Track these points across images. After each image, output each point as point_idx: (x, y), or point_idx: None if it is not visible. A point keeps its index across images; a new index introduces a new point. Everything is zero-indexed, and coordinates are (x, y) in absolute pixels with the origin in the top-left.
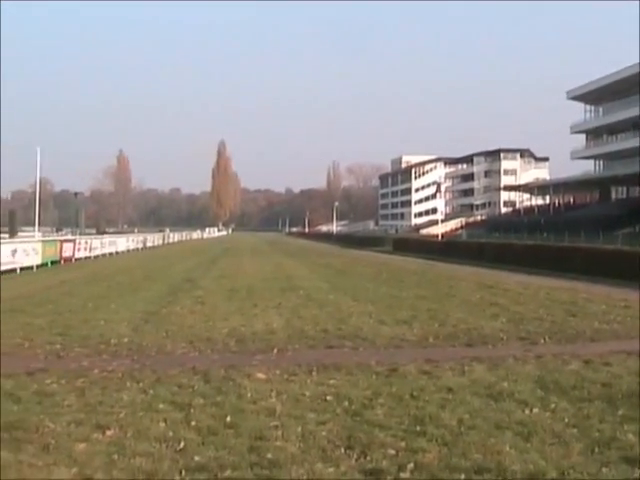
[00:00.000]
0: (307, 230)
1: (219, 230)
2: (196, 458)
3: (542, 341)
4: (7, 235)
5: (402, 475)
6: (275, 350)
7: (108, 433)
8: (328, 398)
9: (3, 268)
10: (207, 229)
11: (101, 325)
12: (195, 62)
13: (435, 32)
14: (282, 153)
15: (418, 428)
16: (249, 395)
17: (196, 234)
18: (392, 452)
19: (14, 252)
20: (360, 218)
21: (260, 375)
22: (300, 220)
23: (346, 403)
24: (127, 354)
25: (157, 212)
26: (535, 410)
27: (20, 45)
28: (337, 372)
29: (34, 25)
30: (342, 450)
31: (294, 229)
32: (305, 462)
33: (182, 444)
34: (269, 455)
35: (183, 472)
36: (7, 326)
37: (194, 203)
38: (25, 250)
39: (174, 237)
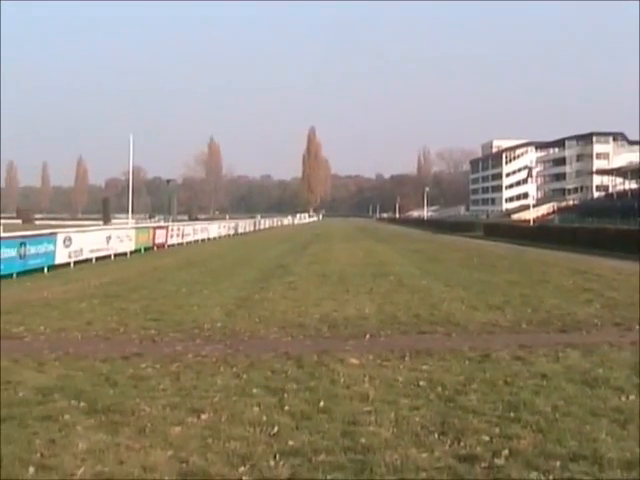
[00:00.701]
0: (398, 216)
1: (310, 216)
2: (290, 442)
3: (637, 327)
4: (102, 222)
5: (497, 461)
6: (367, 335)
7: (203, 417)
8: (421, 383)
9: (98, 254)
10: (298, 215)
11: (194, 310)
12: (283, 47)
13: (526, 12)
14: (372, 139)
15: (512, 414)
16: (342, 380)
17: (287, 220)
18: (486, 438)
19: (108, 239)
20: (451, 203)
21: (353, 360)
22: (391, 206)
23: (439, 389)
24: (220, 339)
25: (248, 198)
26: (632, 397)
27: (109, 37)
28: (430, 358)
29: (124, 16)
30: (436, 436)
31: (385, 215)
32: (399, 447)
33: (276, 428)
34: (363, 440)
35: (277, 456)
36: (102, 311)
37: (285, 189)
38: (119, 237)
39: (265, 223)
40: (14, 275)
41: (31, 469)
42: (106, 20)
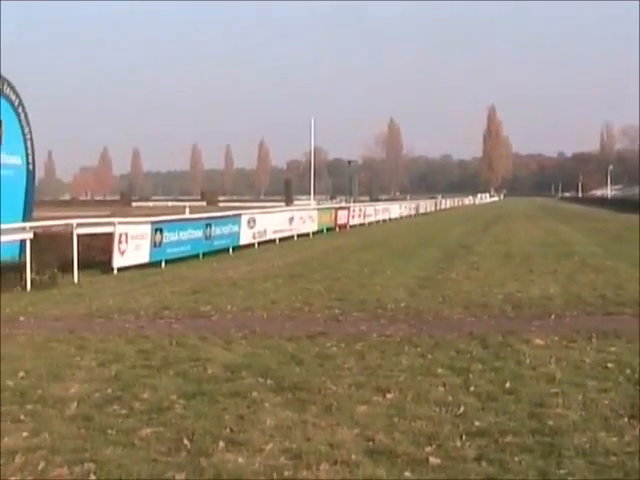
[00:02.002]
0: (580, 195)
1: (491, 196)
2: (476, 423)
3: None
4: (284, 203)
5: None
6: (552, 316)
7: (388, 396)
8: (609, 365)
9: (281, 235)
10: (479, 195)
11: (378, 290)
12: (465, 23)
13: None
14: (553, 116)
15: None
16: (528, 361)
17: (468, 200)
18: None
19: (291, 220)
20: (635, 182)
21: (538, 341)
22: (573, 185)
23: (628, 371)
24: (404, 319)
25: (428, 178)
26: None
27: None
28: (617, 339)
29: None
30: (625, 419)
31: (567, 194)
32: (587, 430)
33: (462, 409)
34: (550, 422)
35: (464, 437)
36: (287, 290)
37: (465, 169)
38: (302, 218)
39: (446, 203)
40: (200, 255)
41: (221, 444)
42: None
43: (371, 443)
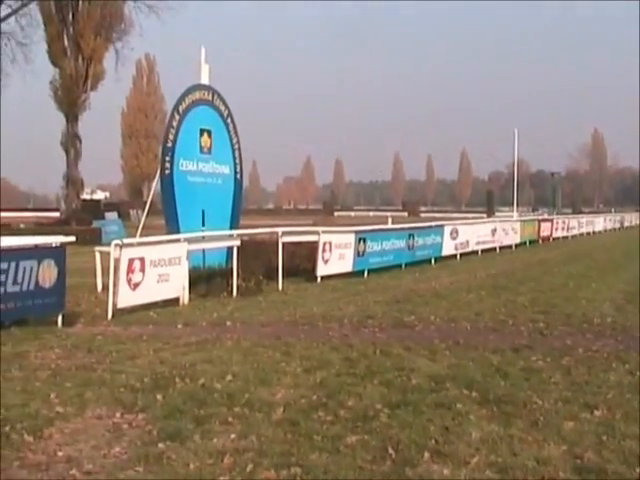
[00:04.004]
0: None
1: None
2: None
3: None
4: (485, 214)
5: None
6: None
7: (596, 413)
8: None
9: (483, 247)
10: None
11: (583, 304)
12: None
13: None
14: None
15: None
16: None
17: None
18: None
19: (494, 231)
20: None
21: None
22: None
23: None
24: (611, 334)
25: (634, 191)
26: None
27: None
28: None
29: None
30: None
31: None
32: None
33: None
34: None
35: None
36: (490, 302)
37: None
38: (504, 229)
39: None
40: (403, 266)
41: (426, 454)
42: None
43: (579, 461)
